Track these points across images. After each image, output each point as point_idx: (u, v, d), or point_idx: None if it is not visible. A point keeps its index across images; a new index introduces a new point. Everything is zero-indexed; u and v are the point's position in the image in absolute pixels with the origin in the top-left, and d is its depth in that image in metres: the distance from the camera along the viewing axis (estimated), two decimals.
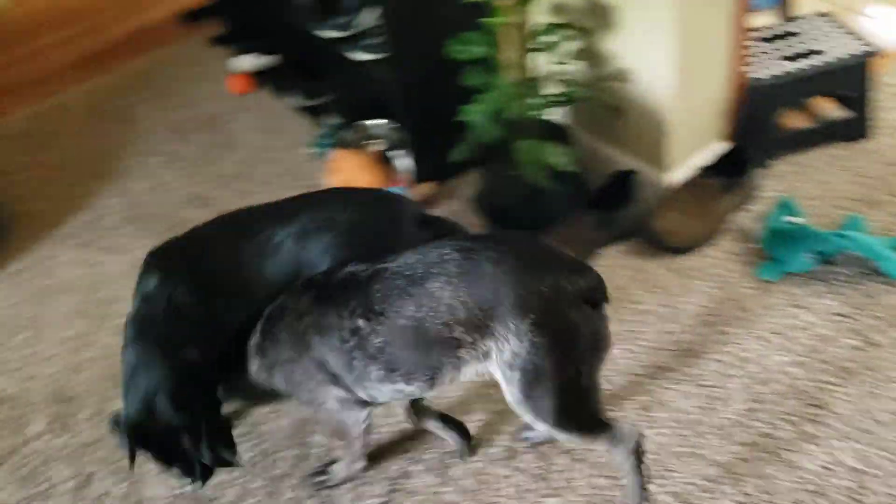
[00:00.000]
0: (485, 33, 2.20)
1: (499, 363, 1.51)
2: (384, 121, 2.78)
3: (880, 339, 1.99)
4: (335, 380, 1.62)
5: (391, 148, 2.71)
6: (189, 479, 1.71)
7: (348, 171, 2.60)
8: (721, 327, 2.09)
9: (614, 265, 2.30)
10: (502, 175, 2.45)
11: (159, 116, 3.29)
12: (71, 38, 4.06)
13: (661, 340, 2.09)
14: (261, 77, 3.32)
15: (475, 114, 2.27)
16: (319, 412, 1.72)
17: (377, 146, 2.78)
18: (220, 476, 1.89)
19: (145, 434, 1.64)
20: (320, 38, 2.65)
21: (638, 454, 1.63)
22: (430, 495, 1.85)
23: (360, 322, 1.55)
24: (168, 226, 2.70)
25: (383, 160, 2.67)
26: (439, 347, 1.53)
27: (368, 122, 2.82)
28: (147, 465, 1.80)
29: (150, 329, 1.68)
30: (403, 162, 2.63)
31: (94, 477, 2.00)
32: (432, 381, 1.58)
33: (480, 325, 1.49)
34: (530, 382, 1.50)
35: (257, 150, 3.01)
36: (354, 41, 2.55)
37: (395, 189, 2.51)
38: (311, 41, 2.74)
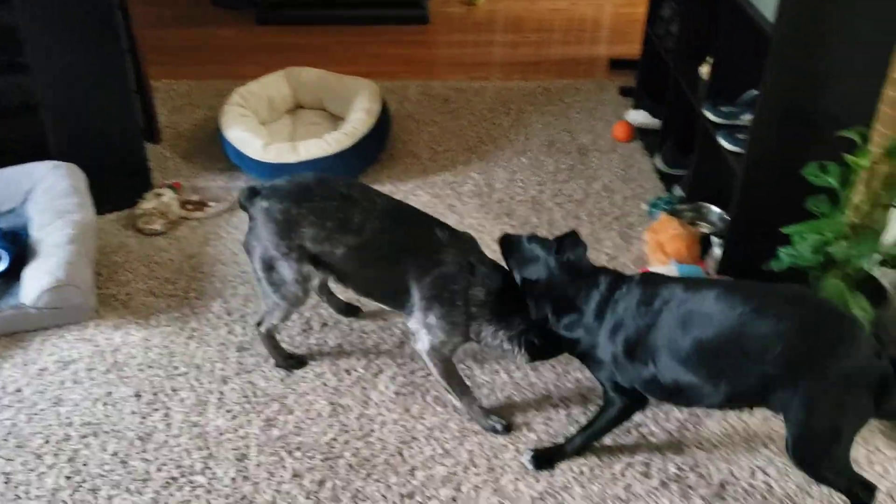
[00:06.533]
0: (844, 169, 2.26)
1: None
2: (720, 210, 2.93)
3: None
4: None
5: (715, 235, 2.85)
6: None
7: (665, 235, 2.79)
8: None
9: None
10: None
11: (545, 129, 3.76)
12: (521, 43, 4.76)
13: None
14: (641, 133, 3.64)
15: (801, 236, 2.34)
16: None
17: (703, 228, 2.93)
18: None
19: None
20: (704, 118, 2.86)
21: None
22: None
23: None
24: (502, 211, 3.15)
25: (701, 241, 2.81)
26: None
27: (707, 205, 2.99)
28: None
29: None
30: (717, 251, 2.75)
31: None
32: None
33: None
34: None
35: (604, 187, 3.32)
36: (731, 130, 2.72)
37: (691, 268, 2.65)
38: (695, 117, 2.98)
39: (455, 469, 2.11)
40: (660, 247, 2.79)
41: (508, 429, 2.22)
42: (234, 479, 2.06)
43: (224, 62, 4.39)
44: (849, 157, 2.20)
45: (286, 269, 2.17)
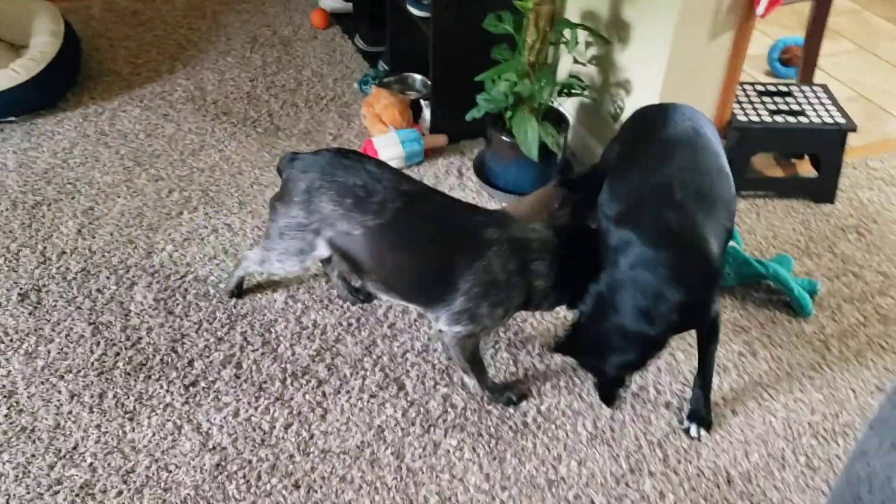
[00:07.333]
0: (516, 16, 2.57)
1: None
2: (422, 77, 3.19)
3: (762, 354, 2.30)
4: None
5: (423, 98, 3.11)
6: None
7: (379, 106, 3.00)
8: None
9: None
10: (501, 142, 2.81)
11: (244, 27, 3.78)
12: None
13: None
14: (338, 18, 3.78)
15: (491, 82, 2.65)
16: None
17: (412, 95, 3.18)
18: None
19: None
20: None
21: None
22: None
23: None
24: (219, 111, 3.17)
25: (412, 107, 3.06)
26: None
27: (410, 74, 3.24)
28: None
29: None
30: (427, 113, 3.02)
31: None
32: None
33: None
34: None
35: (314, 74, 3.45)
36: None
37: (408, 132, 2.90)
38: None
39: (232, 351, 2.23)
40: (377, 118, 3.00)
41: (522, 398, 2.16)
42: (7, 415, 2.02)
43: None
44: (517, 3, 2.52)
45: (297, 241, 2.03)
